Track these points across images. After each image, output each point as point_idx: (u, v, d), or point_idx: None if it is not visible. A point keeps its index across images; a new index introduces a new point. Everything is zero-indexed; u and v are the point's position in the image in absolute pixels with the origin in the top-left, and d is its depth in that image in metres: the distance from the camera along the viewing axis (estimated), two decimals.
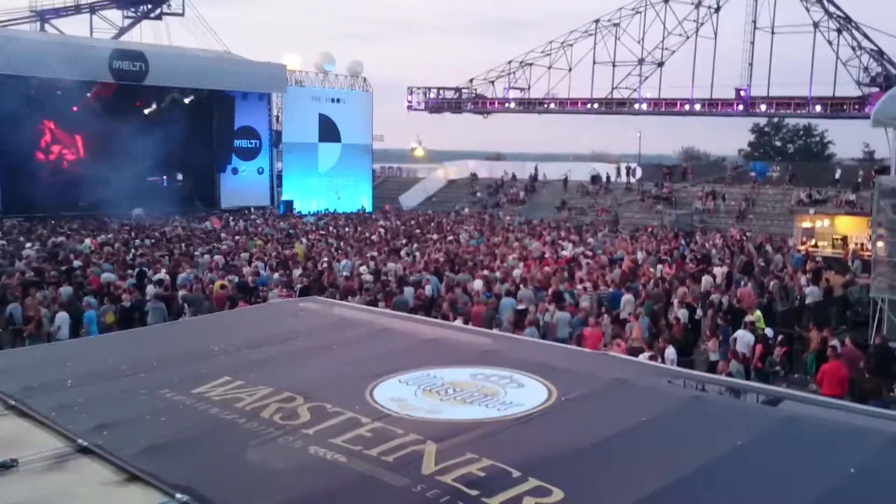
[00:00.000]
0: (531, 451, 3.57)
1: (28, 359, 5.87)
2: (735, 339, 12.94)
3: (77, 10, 55.17)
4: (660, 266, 20.93)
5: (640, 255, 22.86)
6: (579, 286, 17.36)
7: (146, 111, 35.04)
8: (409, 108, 61.34)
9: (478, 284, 17.08)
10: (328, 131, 47.26)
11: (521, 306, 14.94)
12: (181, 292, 16.38)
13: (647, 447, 3.70)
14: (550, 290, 16.28)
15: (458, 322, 11.25)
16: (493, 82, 60.17)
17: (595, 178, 48.19)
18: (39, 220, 32.45)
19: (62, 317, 14.14)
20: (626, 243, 26.82)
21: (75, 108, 35.98)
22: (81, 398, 4.34)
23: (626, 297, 15.87)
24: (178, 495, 3.04)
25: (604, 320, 13.90)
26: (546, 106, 59.43)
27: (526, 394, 4.42)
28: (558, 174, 51.01)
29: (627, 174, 48.44)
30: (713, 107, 54.00)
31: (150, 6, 56.76)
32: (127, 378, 4.74)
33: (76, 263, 20.30)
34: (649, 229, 33.64)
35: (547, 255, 23.15)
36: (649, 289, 17.25)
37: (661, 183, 45.50)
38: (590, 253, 24.07)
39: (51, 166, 38.39)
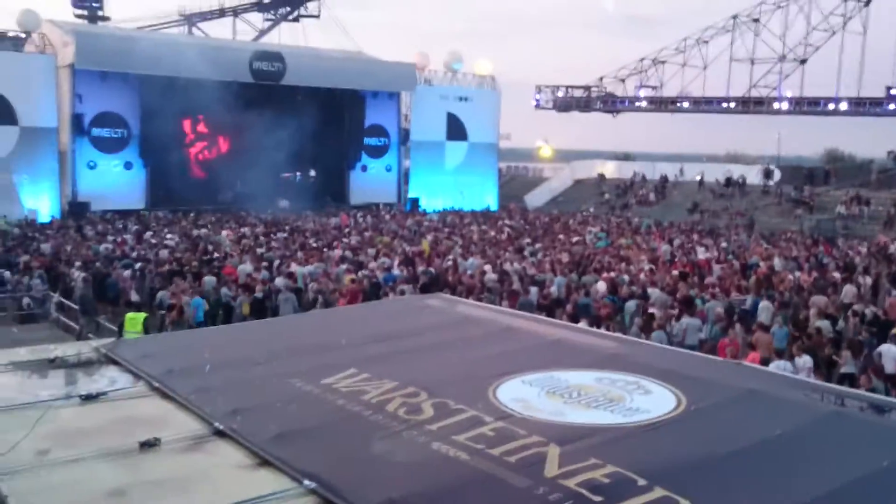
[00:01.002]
0: (658, 459, 3.47)
1: (171, 344, 6.21)
2: (880, 354, 12.13)
3: (221, 13, 58.03)
4: (798, 273, 19.93)
5: (777, 262, 21.83)
6: (710, 291, 16.75)
7: (282, 110, 36.37)
8: (537, 106, 60.95)
9: (601, 287, 16.79)
10: (455, 130, 47.66)
11: (650, 310, 14.56)
12: (311, 285, 16.92)
13: (782, 462, 3.53)
14: (680, 295, 15.79)
15: (584, 324, 11.09)
16: (623, 80, 58.93)
17: (729, 180, 46.41)
18: (182, 214, 34.31)
19: (196, 302, 14.90)
20: (761, 248, 25.69)
21: (217, 108, 37.82)
22: (218, 383, 4.55)
23: (763, 305, 15.17)
24: (306, 482, 3.14)
25: (737, 328, 13.34)
26: (679, 105, 57.67)
27: (653, 401, 4.31)
28: (690, 175, 49.46)
29: (768, 176, 46.28)
30: (860, 106, 50.90)
31: (288, 9, 58.99)
32: (260, 366, 4.93)
33: (215, 255, 21.36)
34: (787, 234, 32.09)
35: (677, 259, 22.49)
36: (786, 297, 16.45)
37: (801, 186, 43.30)
38: (722, 257, 23.21)
39: (193, 163, 40.50)
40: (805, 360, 10.93)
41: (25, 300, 17.06)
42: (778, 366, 10.08)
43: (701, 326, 13.59)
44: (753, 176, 46.71)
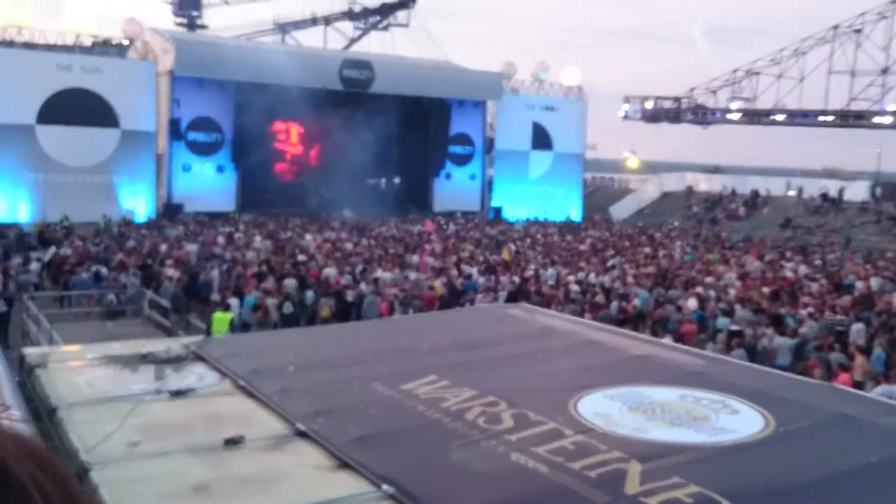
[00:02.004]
0: (744, 482, 3.36)
1: (257, 344, 6.35)
2: None
3: (313, 22, 59.39)
4: None
5: (875, 282, 20.91)
6: (803, 311, 16.16)
7: (369, 117, 36.96)
8: (625, 117, 60.13)
9: (692, 303, 16.38)
10: (540, 139, 47.46)
11: (735, 327, 14.15)
12: (393, 290, 17.08)
13: (876, 491, 3.37)
14: (770, 313, 15.30)
15: (668, 340, 10.85)
16: (714, 92, 57.55)
17: (825, 196, 44.75)
18: (270, 217, 35.16)
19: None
20: (859, 268, 24.64)
21: (307, 114, 38.71)
22: (301, 384, 4.62)
23: (857, 327, 14.56)
24: (385, 486, 3.15)
25: (833, 350, 12.83)
26: (773, 118, 55.95)
27: (740, 421, 4.17)
28: (782, 190, 47.91)
29: (873, 194, 44.30)
30: None
31: (378, 18, 59.89)
32: (342, 368, 4.99)
33: (300, 258, 21.81)
34: (888, 254, 30.70)
35: (767, 276, 21.80)
36: (884, 319, 15.73)
37: None
38: (816, 276, 22.38)
39: (282, 167, 41.53)
40: None
41: (110, 296, 17.67)
42: (885, 391, 9.63)
43: (792, 346, 13.13)
44: (852, 192, 44.90)
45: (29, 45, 34.78)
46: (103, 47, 38.19)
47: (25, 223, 30.78)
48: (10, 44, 34.11)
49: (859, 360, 11.91)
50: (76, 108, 33.66)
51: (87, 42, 37.31)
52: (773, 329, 13.87)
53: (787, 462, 3.72)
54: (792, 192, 47.44)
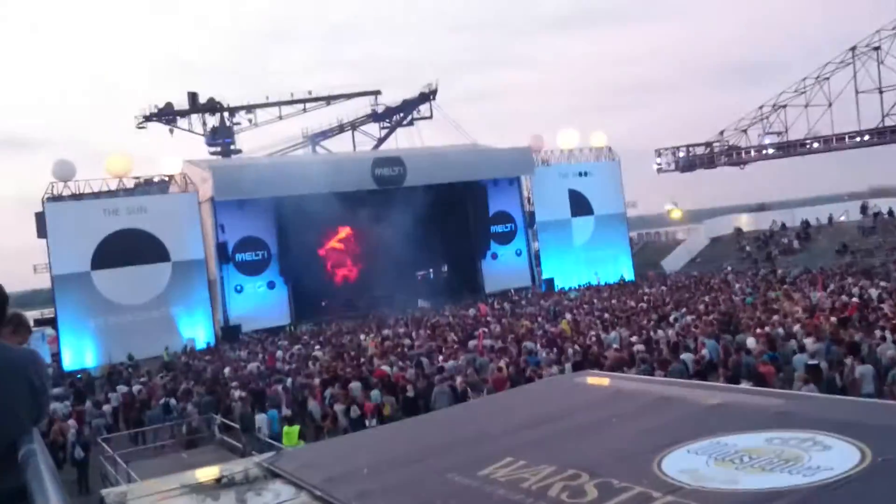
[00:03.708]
0: None
1: (328, 451, 6.28)
2: None
3: (340, 129, 61.28)
4: None
5: None
6: (878, 333, 15.57)
7: (408, 210, 37.53)
8: (660, 170, 60.08)
9: (750, 342, 16.00)
10: (579, 205, 47.51)
11: (812, 361, 13.68)
12: (458, 379, 16.93)
13: None
14: (845, 342, 14.77)
15: (744, 385, 10.51)
16: (745, 131, 57.48)
17: (877, 215, 43.70)
18: (326, 323, 35.44)
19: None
20: None
21: (346, 217, 39.49)
22: (377, 485, 4.53)
23: None
24: None
25: None
26: (808, 146, 55.40)
27: (834, 457, 3.96)
28: (833, 217, 46.98)
29: None
30: None
31: (402, 115, 61.51)
32: (415, 464, 4.89)
33: (361, 360, 21.84)
34: None
35: (835, 305, 21.15)
36: None
37: None
38: (885, 297, 21.65)
39: (330, 273, 42.09)
40: None
41: (193, 425, 17.88)
42: None
43: (874, 372, 12.61)
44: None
45: (76, 196, 36.30)
46: (146, 186, 39.68)
47: (92, 367, 31.48)
48: (59, 198, 35.64)
49: None
50: (127, 248, 34.83)
51: (130, 184, 38.81)
52: (851, 358, 13.36)
53: (889, 493, 3.52)
54: (843, 217, 46.47)
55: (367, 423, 14.36)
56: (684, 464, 4.13)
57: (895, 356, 13.16)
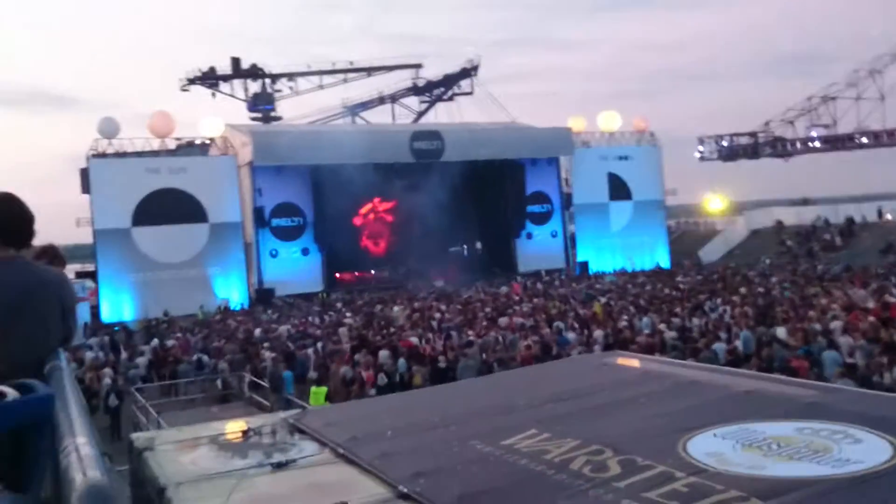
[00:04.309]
0: None
1: (353, 412, 6.34)
2: None
3: (381, 101, 61.23)
4: None
5: None
6: None
7: (444, 185, 37.47)
8: (702, 158, 59.17)
9: (781, 332, 15.86)
10: (618, 189, 47.04)
11: (850, 360, 13.48)
12: (487, 354, 16.98)
13: None
14: (884, 342, 14.51)
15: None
16: (792, 122, 56.24)
17: None
18: (359, 293, 35.68)
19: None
20: None
21: (383, 189, 39.61)
22: (400, 448, 4.57)
23: None
24: None
25: None
26: (857, 141, 54.10)
27: (865, 450, 3.89)
28: (878, 215, 45.98)
29: None
30: None
31: (442, 89, 61.26)
32: (440, 429, 4.91)
33: (391, 330, 21.98)
34: None
35: (875, 304, 20.76)
36: None
37: None
38: None
39: (365, 243, 42.29)
40: None
41: (223, 380, 18.24)
42: None
43: None
44: None
45: (119, 154, 36.84)
46: (187, 148, 40.10)
47: (129, 321, 32.12)
48: (103, 155, 36.18)
49: None
50: (167, 207, 35.31)
51: (172, 145, 39.25)
52: (888, 358, 13.12)
53: None
54: (889, 216, 45.50)
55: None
56: (711, 447, 4.09)
57: None
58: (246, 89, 59.92)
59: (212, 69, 59.03)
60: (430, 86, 61.50)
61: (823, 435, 4.20)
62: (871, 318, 17.58)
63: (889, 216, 45.69)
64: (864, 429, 4.19)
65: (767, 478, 3.58)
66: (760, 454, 3.97)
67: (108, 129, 36.67)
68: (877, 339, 14.99)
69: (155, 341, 23.55)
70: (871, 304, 20.69)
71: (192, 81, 58.87)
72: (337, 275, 40.46)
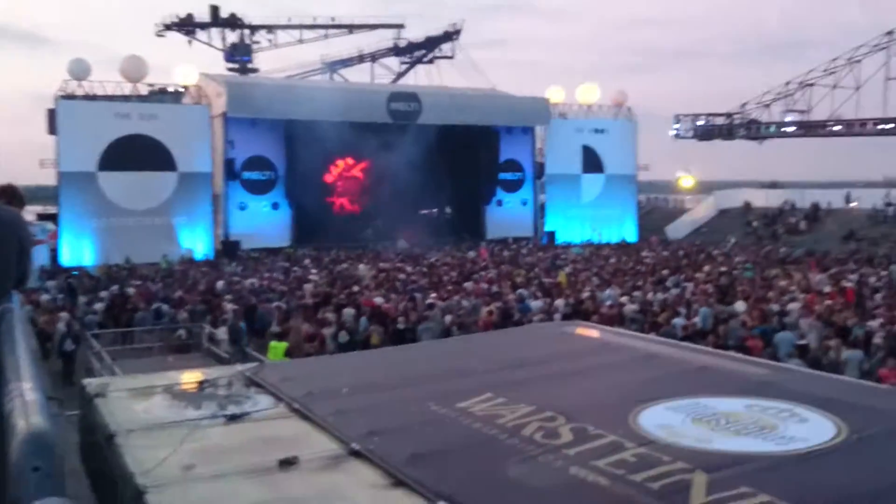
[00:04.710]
0: (817, 490, 3.19)
1: (311, 368, 6.36)
2: None
3: (360, 59, 60.52)
4: None
5: None
6: (873, 322, 15.61)
7: (419, 148, 37.28)
8: (677, 136, 59.45)
9: (740, 306, 16.16)
10: (591, 162, 47.15)
11: (802, 341, 13.74)
12: (448, 317, 17.04)
13: None
14: (837, 325, 14.83)
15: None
16: (768, 106, 56.67)
17: (890, 206, 43.42)
18: (326, 250, 35.56)
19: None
20: None
21: (357, 148, 39.33)
22: (355, 406, 4.58)
23: None
24: (441, 503, 3.07)
25: None
26: (830, 128, 54.69)
27: (810, 429, 3.99)
28: (843, 202, 46.66)
29: None
30: None
31: (423, 52, 60.67)
32: (396, 389, 4.94)
33: (355, 288, 21.96)
34: None
35: (832, 288, 21.17)
36: None
37: None
38: (881, 286, 21.67)
39: (336, 201, 42.07)
40: None
41: (179, 331, 18.11)
42: None
43: (862, 359, 12.66)
44: None
45: (89, 97, 36.05)
46: (159, 95, 39.37)
47: (89, 266, 31.71)
48: (72, 97, 35.40)
49: None
50: (135, 153, 34.71)
51: (144, 91, 38.48)
52: (839, 340, 13.41)
53: (860, 469, 3.54)
54: (854, 204, 46.21)
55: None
56: (661, 419, 4.16)
57: (881, 344, 13.21)
58: (224, 39, 58.82)
59: (189, 16, 57.79)
60: (412, 47, 60.88)
61: (771, 412, 4.28)
62: (828, 302, 17.95)
63: (855, 203, 46.38)
64: (811, 408, 4.28)
65: (713, 451, 3.65)
66: (709, 428, 4.04)
67: (79, 70, 35.87)
68: (830, 322, 15.31)
69: (114, 287, 23.28)
70: (828, 289, 21.10)
71: (168, 27, 57.59)
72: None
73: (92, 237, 34.12)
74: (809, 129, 56.16)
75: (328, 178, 41.63)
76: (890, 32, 51.12)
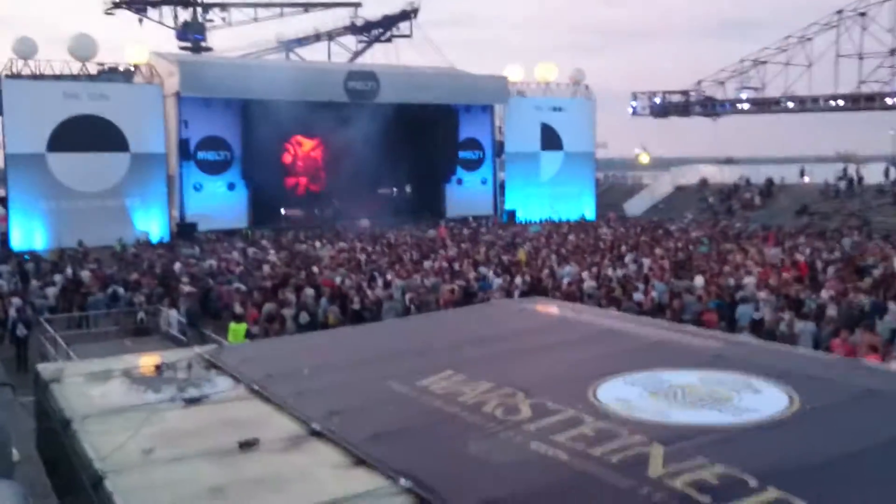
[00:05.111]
0: (771, 459, 3.27)
1: (271, 349, 6.33)
2: None
3: (317, 38, 59.70)
4: None
5: None
6: (824, 294, 15.97)
7: (377, 127, 37.00)
8: (634, 113, 59.89)
9: (699, 281, 16.45)
10: (550, 140, 47.29)
11: (757, 315, 14.03)
12: (408, 295, 17.05)
13: None
14: (790, 297, 15.14)
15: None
16: (723, 83, 57.27)
17: (841, 180, 44.32)
18: (284, 231, 35.26)
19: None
20: (878, 249, 24.38)
21: (315, 128, 38.93)
22: (316, 386, 4.58)
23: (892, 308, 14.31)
24: (402, 480, 3.09)
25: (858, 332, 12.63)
26: (783, 105, 55.54)
27: (763, 400, 4.09)
28: (797, 177, 47.57)
29: (887, 174, 43.47)
30: None
31: (381, 30, 60.07)
32: (357, 369, 4.95)
33: (314, 269, 21.84)
34: None
35: (786, 262, 21.60)
36: None
37: None
38: (835, 259, 22.16)
39: (293, 181, 41.66)
40: None
41: (140, 314, 17.89)
42: None
43: (814, 331, 12.96)
44: (867, 175, 44.35)
45: (36, 77, 35.08)
46: (109, 74, 38.44)
47: (41, 250, 31.05)
48: (18, 76, 34.42)
49: (867, 337, 11.66)
50: (85, 134, 33.87)
51: (94, 70, 37.55)
52: (793, 313, 13.71)
53: (813, 439, 3.64)
54: (807, 179, 47.09)
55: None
56: (619, 393, 4.23)
57: (833, 316, 13.52)
58: (175, 17, 57.47)
59: None
60: (369, 25, 60.19)
61: (726, 385, 4.38)
62: (785, 275, 18.31)
63: (807, 178, 47.25)
64: (764, 379, 4.39)
65: (670, 424, 3.73)
66: (665, 401, 4.12)
67: (25, 48, 34.80)
68: (784, 294, 15.63)
69: (69, 271, 22.85)
70: (782, 263, 21.52)
71: (117, 5, 56.06)
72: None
73: (43, 220, 33.32)
74: (763, 105, 56.93)
75: (286, 158, 41.17)
76: (840, 11, 51.93)
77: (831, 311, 14.03)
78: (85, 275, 22.03)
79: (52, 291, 20.16)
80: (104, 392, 4.58)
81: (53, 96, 33.75)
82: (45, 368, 5.10)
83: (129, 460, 3.40)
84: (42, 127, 33.19)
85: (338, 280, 19.20)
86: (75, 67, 36.35)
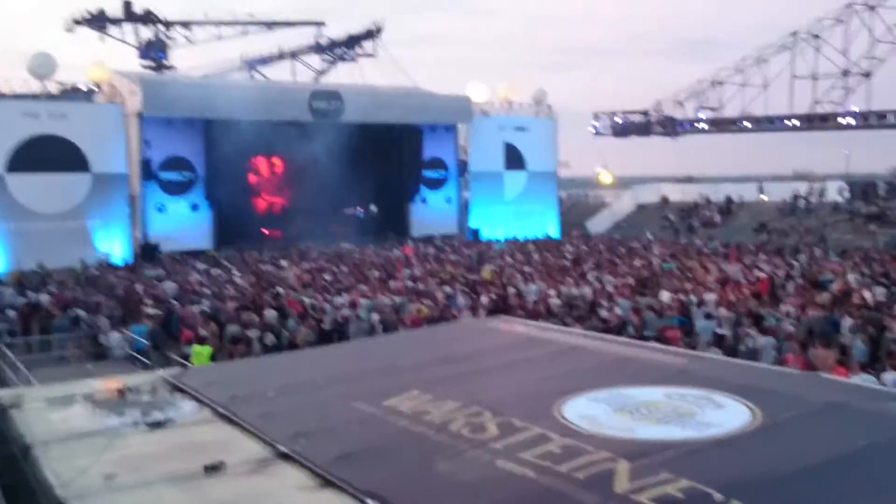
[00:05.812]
0: (734, 473, 3.33)
1: (235, 372, 6.28)
2: None
3: (280, 57, 59.54)
4: (879, 289, 19.24)
5: (852, 278, 21.11)
6: (783, 307, 16.26)
7: (341, 146, 36.92)
8: (596, 133, 60.65)
9: (665, 296, 16.61)
10: (514, 159, 47.61)
11: (720, 331, 14.23)
12: (374, 315, 17.00)
13: (867, 476, 3.35)
14: (751, 313, 15.37)
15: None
16: (682, 103, 58.33)
17: (805, 198, 45.28)
18: (247, 251, 34.97)
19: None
20: (835, 265, 24.89)
21: (279, 147, 38.77)
22: (282, 407, 4.55)
23: (848, 323, 14.61)
24: (370, 501, 3.09)
25: (815, 346, 12.87)
26: (740, 125, 56.68)
27: (726, 415, 4.16)
28: (755, 196, 48.46)
29: (842, 194, 44.51)
30: None
31: (345, 49, 60.16)
32: (323, 390, 4.93)
33: (279, 289, 21.68)
34: (861, 252, 31.01)
35: (747, 279, 21.93)
36: (864, 313, 15.83)
37: (874, 200, 41.91)
38: (793, 275, 22.58)
39: (256, 201, 41.39)
40: (889, 377, 10.47)
41: (102, 338, 17.60)
42: (864, 380, 9.69)
43: (775, 345, 13.18)
44: (829, 193, 45.40)
45: None
46: (70, 93, 37.96)
47: (0, 273, 30.44)
48: None
49: (821, 352, 11.85)
50: (45, 154, 33.28)
51: (54, 89, 37.05)
52: (755, 328, 13.92)
53: (776, 452, 3.70)
54: (764, 197, 48.00)
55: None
56: (584, 410, 4.28)
57: (791, 332, 13.75)
58: (137, 35, 56.89)
59: (101, 11, 55.76)
60: (333, 45, 60.20)
61: (689, 400, 4.44)
62: (746, 291, 18.59)
63: (765, 196, 48.14)
64: (727, 395, 4.46)
65: (635, 440, 3.78)
66: (630, 418, 4.17)
67: None
68: (746, 311, 15.87)
69: (31, 294, 22.42)
70: (742, 279, 21.86)
71: (78, 23, 55.40)
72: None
73: (2, 242, 32.72)
74: (721, 125, 58.04)
75: (251, 178, 40.90)
76: (794, 33, 53.22)
77: (789, 325, 14.28)
78: (44, 298, 21.63)
79: (12, 315, 19.76)
80: (65, 417, 4.51)
81: (12, 116, 33.20)
82: (4, 395, 5.01)
83: (91, 486, 3.36)
84: (0, 147, 32.64)
85: (306, 300, 19.08)
86: (35, 86, 35.85)
